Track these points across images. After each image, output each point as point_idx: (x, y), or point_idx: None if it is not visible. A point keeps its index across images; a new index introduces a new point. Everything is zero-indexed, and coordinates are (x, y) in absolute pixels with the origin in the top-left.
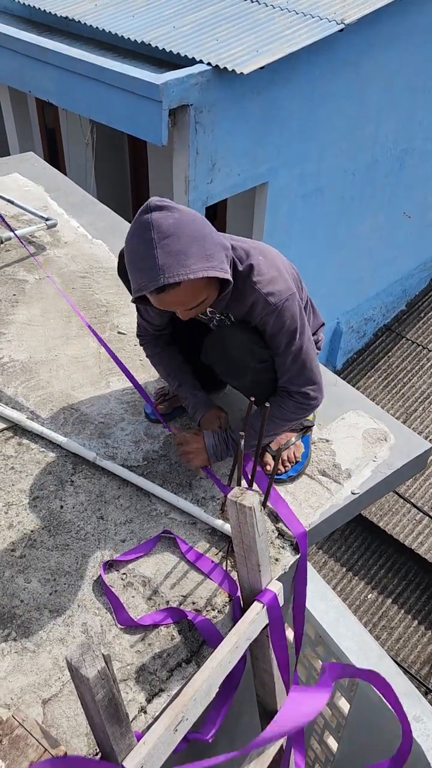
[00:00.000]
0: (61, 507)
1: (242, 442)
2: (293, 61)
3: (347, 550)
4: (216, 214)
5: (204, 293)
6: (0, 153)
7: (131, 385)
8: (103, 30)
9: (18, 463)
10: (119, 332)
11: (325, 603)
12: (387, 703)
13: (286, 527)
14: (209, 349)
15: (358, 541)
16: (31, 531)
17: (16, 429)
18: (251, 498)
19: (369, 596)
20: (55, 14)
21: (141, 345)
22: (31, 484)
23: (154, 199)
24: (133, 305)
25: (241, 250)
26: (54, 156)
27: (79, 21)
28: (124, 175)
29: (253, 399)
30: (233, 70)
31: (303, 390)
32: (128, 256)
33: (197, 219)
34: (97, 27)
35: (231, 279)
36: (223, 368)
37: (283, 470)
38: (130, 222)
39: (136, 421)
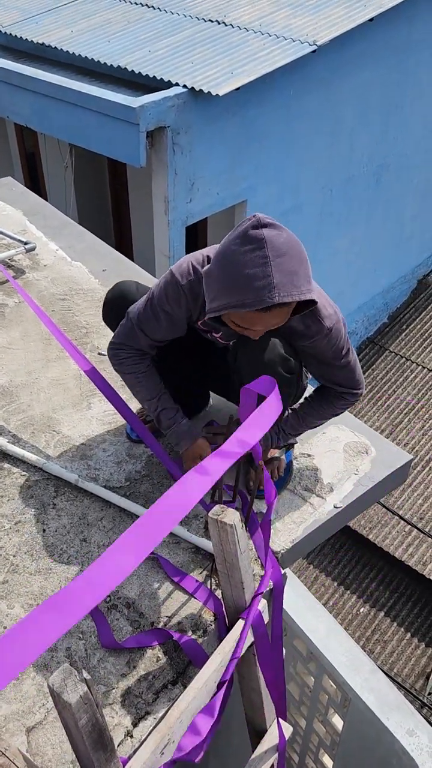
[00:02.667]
0: (44, 530)
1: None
2: (268, 82)
3: (338, 565)
4: (197, 234)
5: (288, 314)
6: None
7: (112, 406)
8: (80, 55)
9: None
10: (99, 353)
11: (316, 619)
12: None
13: (262, 567)
14: (240, 353)
15: (348, 555)
16: (14, 556)
17: None
18: (232, 515)
19: (361, 610)
20: (32, 41)
21: (120, 362)
22: (12, 509)
23: (261, 216)
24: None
25: None
26: (34, 180)
27: (55, 47)
28: (105, 197)
29: (235, 417)
30: (209, 92)
31: (354, 391)
32: (230, 268)
33: (298, 240)
34: (73, 53)
35: (317, 301)
36: (251, 372)
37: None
38: (108, 242)
39: (118, 442)
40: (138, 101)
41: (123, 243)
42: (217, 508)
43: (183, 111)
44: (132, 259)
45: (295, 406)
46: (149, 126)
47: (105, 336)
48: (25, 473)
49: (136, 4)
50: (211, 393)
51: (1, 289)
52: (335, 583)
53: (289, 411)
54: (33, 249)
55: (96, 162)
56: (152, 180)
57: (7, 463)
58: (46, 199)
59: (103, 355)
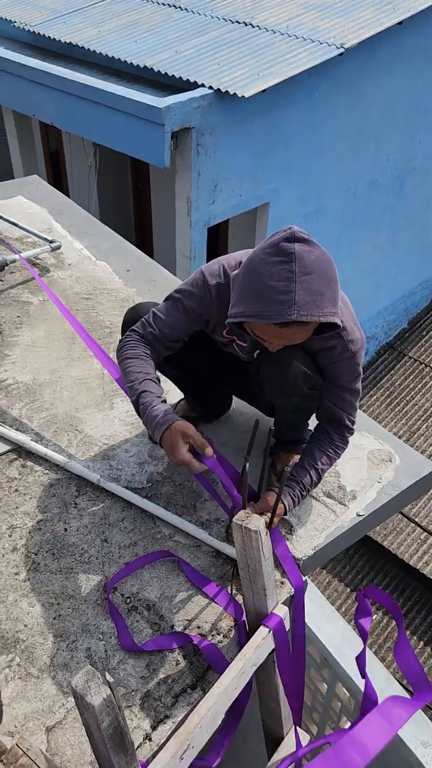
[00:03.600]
0: (65, 530)
1: (247, 465)
2: (294, 84)
3: (351, 570)
4: (218, 235)
5: (310, 332)
6: (4, 175)
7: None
8: (107, 55)
9: (22, 486)
10: None
11: (331, 625)
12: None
13: (285, 575)
14: (263, 363)
15: (362, 561)
16: (35, 554)
17: (20, 451)
18: (257, 521)
19: (374, 617)
20: (60, 40)
21: (128, 341)
22: (35, 507)
23: (296, 230)
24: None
25: None
26: (57, 178)
27: (83, 47)
28: (127, 196)
29: (273, 428)
30: (235, 94)
31: (347, 424)
32: (255, 277)
33: (330, 259)
34: (100, 52)
35: (342, 326)
36: (274, 385)
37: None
38: (133, 243)
39: (140, 443)
40: (163, 102)
41: (144, 243)
42: (241, 513)
43: (208, 112)
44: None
45: (310, 464)
46: (174, 127)
47: None
48: (47, 472)
49: (163, 4)
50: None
51: (26, 287)
52: (348, 589)
53: (308, 470)
54: (58, 248)
55: (119, 161)
56: (175, 181)
57: (30, 461)
58: (70, 196)
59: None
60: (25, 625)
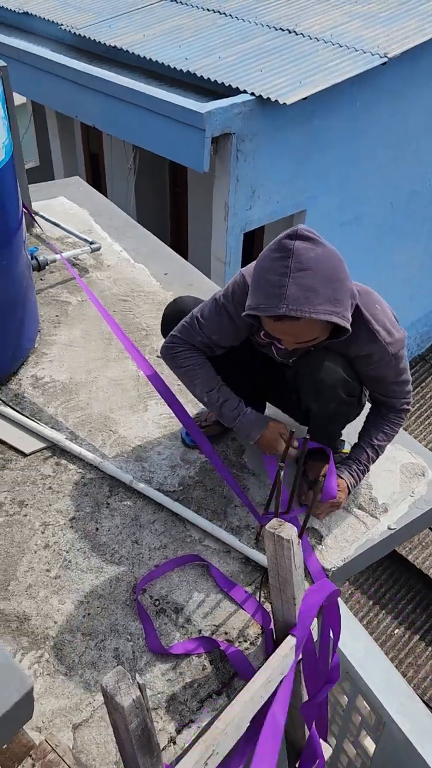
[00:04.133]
0: (97, 529)
1: (281, 473)
2: (335, 92)
3: (374, 583)
4: (254, 241)
5: (318, 333)
6: (45, 176)
7: (168, 409)
8: (150, 59)
9: (56, 483)
10: (158, 356)
11: (353, 638)
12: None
13: (311, 583)
14: (301, 369)
15: (386, 574)
16: (66, 552)
17: (55, 449)
18: (289, 530)
19: (396, 631)
20: (105, 43)
21: (173, 356)
22: (67, 505)
23: (302, 228)
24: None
25: (361, 294)
26: (96, 179)
27: (126, 50)
28: (164, 199)
29: (308, 437)
30: (276, 101)
31: (404, 406)
32: (258, 272)
33: (336, 259)
34: (144, 56)
35: (350, 329)
36: (310, 391)
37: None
38: (171, 247)
39: (173, 446)
40: (205, 107)
41: (179, 246)
42: (274, 521)
43: (249, 118)
44: None
45: (366, 441)
46: (215, 132)
47: (164, 339)
48: (81, 471)
49: (208, 10)
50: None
51: (65, 287)
52: (370, 602)
53: (363, 447)
54: (98, 249)
55: (157, 164)
56: (214, 186)
57: (64, 459)
58: (107, 197)
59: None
60: (55, 622)
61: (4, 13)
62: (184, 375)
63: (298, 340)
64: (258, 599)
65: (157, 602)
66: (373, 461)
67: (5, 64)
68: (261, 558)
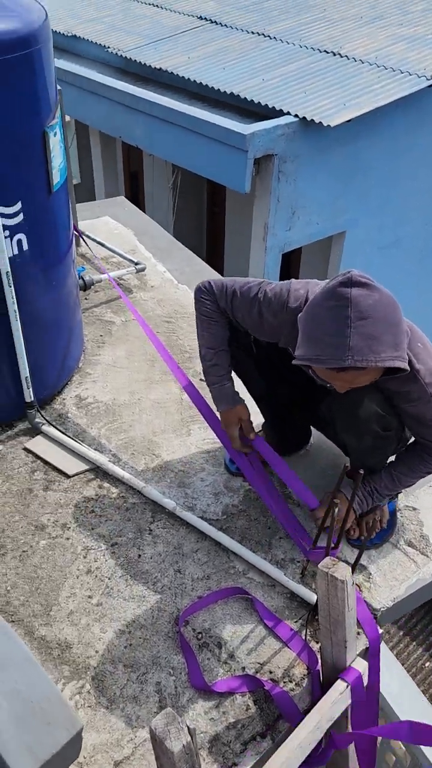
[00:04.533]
0: (139, 556)
1: (335, 510)
2: (378, 113)
3: (411, 619)
4: (290, 260)
5: (376, 375)
6: (86, 192)
7: (212, 434)
8: (194, 81)
9: (98, 507)
10: (201, 379)
11: (389, 673)
12: None
13: (359, 625)
14: (336, 403)
15: (429, 616)
16: (108, 578)
17: (98, 471)
18: (344, 570)
19: (427, 664)
20: (150, 65)
21: (202, 302)
22: (110, 530)
23: (355, 273)
24: None
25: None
26: (135, 196)
27: (171, 72)
28: (201, 217)
29: (362, 472)
30: (320, 122)
31: None
32: (312, 321)
33: (392, 303)
34: (188, 78)
35: (408, 369)
36: (345, 425)
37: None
38: (214, 269)
39: (216, 472)
40: (249, 128)
41: (214, 265)
42: (327, 560)
43: (292, 140)
44: None
45: (387, 468)
46: (257, 153)
47: None
48: (124, 495)
49: (252, 33)
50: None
51: (109, 307)
52: (401, 632)
53: (383, 470)
54: (143, 269)
55: (196, 183)
56: (254, 206)
57: (107, 482)
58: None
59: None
60: (96, 651)
61: (54, 37)
62: (201, 322)
63: (354, 385)
64: (304, 638)
65: (200, 635)
66: (389, 491)
67: (60, 88)
68: (307, 594)
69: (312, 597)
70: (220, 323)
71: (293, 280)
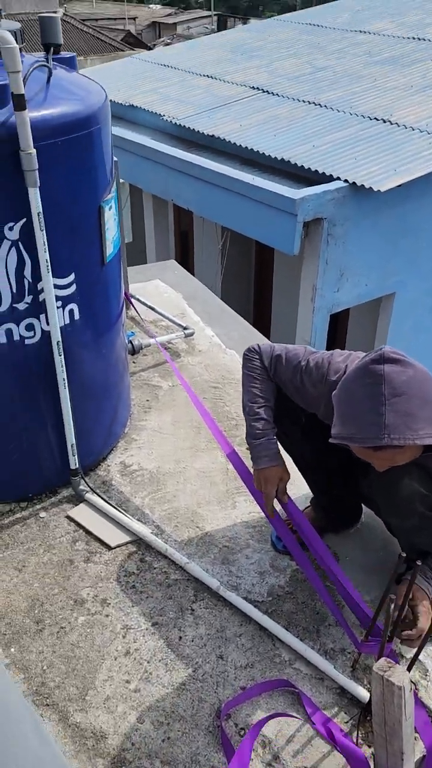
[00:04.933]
0: (180, 638)
1: (392, 606)
2: (429, 177)
3: None
4: (338, 321)
5: (415, 453)
6: (137, 251)
7: (258, 508)
8: (246, 147)
9: (139, 582)
10: (247, 448)
11: None
12: None
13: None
14: (376, 481)
15: None
16: (147, 662)
17: (140, 543)
18: (401, 675)
19: None
20: (203, 132)
21: (250, 361)
22: (151, 608)
23: (387, 350)
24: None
25: None
26: (185, 255)
27: (224, 139)
28: (249, 277)
29: (404, 555)
30: (370, 188)
31: None
32: (346, 399)
33: (428, 378)
34: (240, 144)
35: None
36: (386, 504)
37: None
38: (254, 325)
39: (262, 550)
40: (299, 193)
41: (262, 325)
42: (383, 662)
43: (342, 204)
44: None
45: None
46: (307, 217)
47: None
48: (165, 570)
49: (303, 101)
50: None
51: (156, 371)
52: None
53: None
54: (191, 335)
55: (245, 243)
56: (302, 267)
57: (149, 555)
58: (194, 275)
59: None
60: (133, 744)
61: (112, 106)
62: (247, 378)
63: (393, 464)
64: (355, 741)
65: (243, 731)
66: None
67: (116, 159)
68: (359, 691)
69: (364, 695)
70: (267, 380)
71: (336, 351)
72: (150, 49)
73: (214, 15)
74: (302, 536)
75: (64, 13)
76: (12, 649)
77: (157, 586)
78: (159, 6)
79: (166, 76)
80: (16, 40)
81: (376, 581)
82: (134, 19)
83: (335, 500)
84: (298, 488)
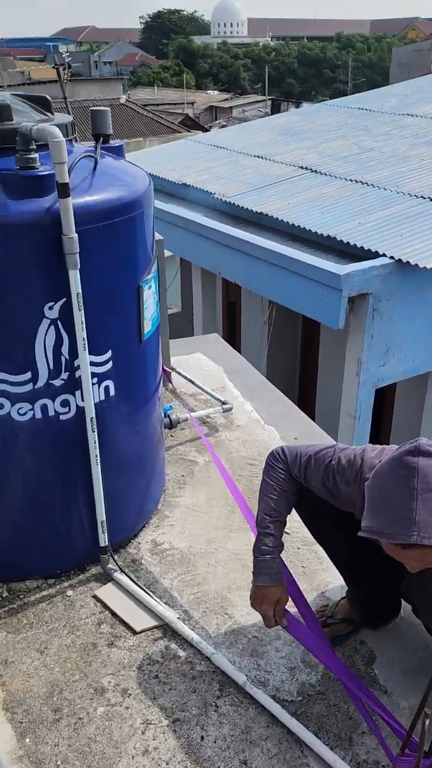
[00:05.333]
0: (202, 738)
1: (428, 721)
2: None
3: None
4: (384, 396)
5: None
6: (186, 320)
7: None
8: (293, 224)
9: (163, 672)
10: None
11: None
12: None
13: None
14: (413, 582)
15: None
16: (167, 763)
17: (166, 629)
18: None
19: None
20: (251, 209)
21: (271, 467)
22: (173, 701)
23: (424, 442)
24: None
25: None
26: (232, 325)
27: (271, 216)
28: (295, 349)
29: None
30: (416, 264)
31: None
32: (377, 491)
33: None
34: (287, 221)
35: None
36: (422, 606)
37: None
38: (299, 399)
39: (293, 643)
40: (344, 269)
41: (306, 398)
42: None
43: (387, 280)
44: (314, 416)
45: None
46: (352, 292)
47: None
48: (191, 660)
49: (350, 180)
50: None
51: (193, 446)
52: None
53: None
54: (230, 410)
55: (290, 316)
56: (347, 341)
57: (174, 643)
58: (240, 345)
59: (287, 534)
60: None
61: (166, 184)
62: (265, 486)
63: (426, 565)
64: None
65: None
66: None
67: (161, 237)
68: None
69: None
70: (286, 493)
71: (368, 446)
72: (206, 130)
73: (268, 99)
74: (318, 657)
75: (126, 99)
76: (27, 740)
77: (181, 677)
78: (217, 92)
79: (218, 157)
80: (66, 133)
81: (414, 685)
82: (192, 103)
83: (372, 595)
84: (334, 577)
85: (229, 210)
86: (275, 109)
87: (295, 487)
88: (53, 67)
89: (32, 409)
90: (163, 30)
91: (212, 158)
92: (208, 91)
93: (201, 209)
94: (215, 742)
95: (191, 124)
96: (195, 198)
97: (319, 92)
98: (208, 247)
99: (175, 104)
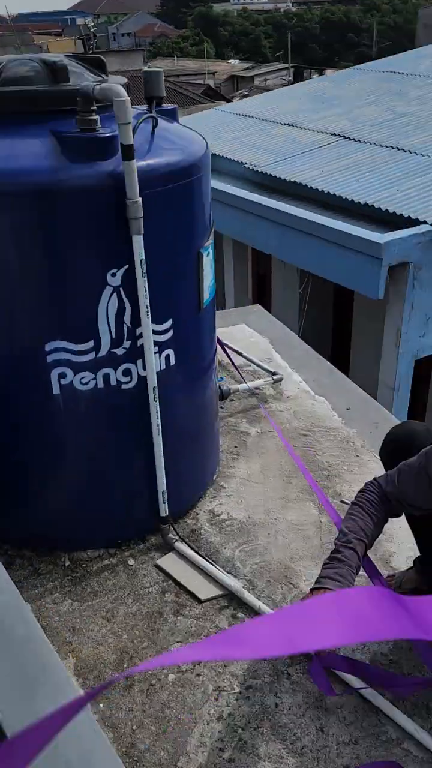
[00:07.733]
0: (276, 705)
1: None
2: None
3: None
4: (422, 368)
5: None
6: (217, 297)
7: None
8: (329, 192)
9: None
10: (342, 501)
11: None
12: None
13: None
14: None
15: None
16: (242, 729)
17: (232, 597)
18: None
19: None
20: (285, 179)
21: (371, 490)
22: (244, 670)
23: None
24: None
25: None
26: (261, 300)
27: (306, 185)
28: (328, 322)
29: None
30: None
31: None
32: None
33: None
34: (322, 190)
35: None
36: None
37: None
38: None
39: None
40: (384, 237)
41: (341, 370)
42: None
43: (428, 248)
44: None
45: None
46: (392, 261)
47: (348, 482)
48: None
49: (385, 146)
50: None
51: (244, 417)
52: None
53: None
54: (280, 380)
55: (323, 287)
56: (386, 312)
57: (241, 611)
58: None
59: (346, 503)
60: None
61: None
62: (354, 506)
63: None
64: None
65: None
66: None
67: None
68: None
69: None
70: (372, 517)
71: None
72: (229, 101)
73: (291, 67)
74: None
75: (146, 70)
76: (101, 705)
77: None
78: (237, 61)
79: (246, 125)
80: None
81: None
82: (213, 74)
83: None
84: (398, 547)
85: (260, 179)
86: (298, 77)
87: (381, 511)
88: (79, 38)
89: (94, 378)
90: None
91: (240, 128)
92: (230, 61)
93: (231, 180)
94: (290, 709)
95: (213, 95)
96: (225, 168)
97: (343, 57)
98: (239, 218)
99: (195, 74)
